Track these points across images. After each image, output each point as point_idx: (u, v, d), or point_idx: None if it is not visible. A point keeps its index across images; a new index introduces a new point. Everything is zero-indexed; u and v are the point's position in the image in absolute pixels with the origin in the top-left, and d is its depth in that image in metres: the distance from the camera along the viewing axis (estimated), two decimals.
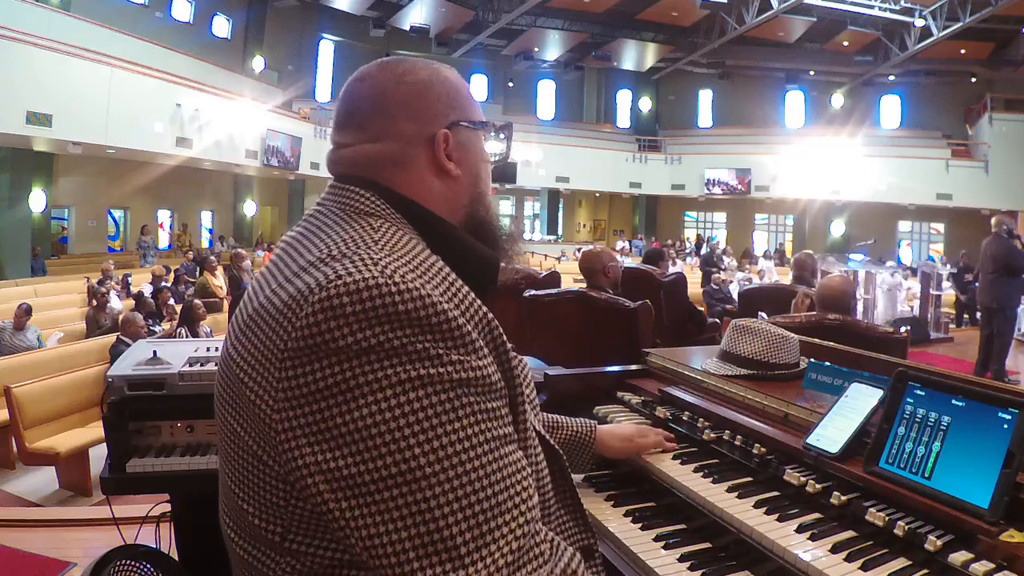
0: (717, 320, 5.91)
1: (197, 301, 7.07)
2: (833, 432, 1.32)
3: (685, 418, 1.62)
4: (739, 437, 1.47)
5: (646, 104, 26.47)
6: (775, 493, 1.31)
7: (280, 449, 0.72)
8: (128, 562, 1.45)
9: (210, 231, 21.10)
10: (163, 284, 9.98)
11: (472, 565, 0.68)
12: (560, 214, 26.40)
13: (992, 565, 0.98)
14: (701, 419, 1.60)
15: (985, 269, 7.01)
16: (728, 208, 25.53)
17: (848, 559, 1.07)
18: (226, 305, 9.10)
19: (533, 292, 3.92)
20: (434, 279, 0.78)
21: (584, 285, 4.05)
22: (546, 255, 18.66)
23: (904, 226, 23.44)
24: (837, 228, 22.44)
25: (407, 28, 21.57)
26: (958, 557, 1.01)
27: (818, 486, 1.25)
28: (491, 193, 1.01)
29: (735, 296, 9.00)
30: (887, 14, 19.57)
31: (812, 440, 1.33)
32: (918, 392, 1.23)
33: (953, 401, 1.18)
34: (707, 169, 23.01)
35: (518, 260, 1.05)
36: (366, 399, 0.69)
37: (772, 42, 22.36)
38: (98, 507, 3.95)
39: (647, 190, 24.20)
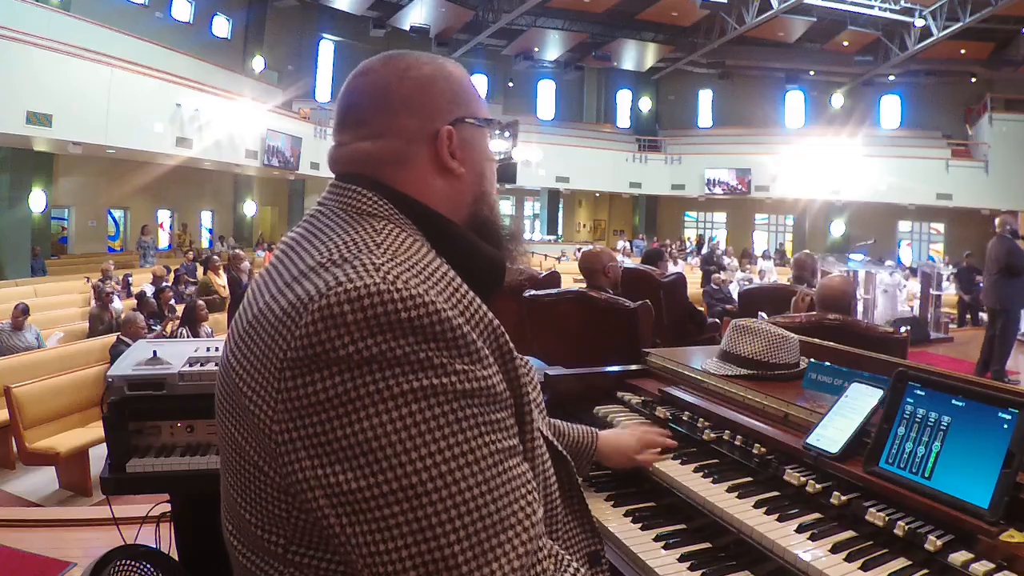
0: (717, 320, 5.90)
1: (200, 301, 7.07)
2: (833, 432, 1.32)
3: (685, 418, 1.62)
4: (739, 437, 1.47)
5: (646, 104, 26.47)
6: (775, 493, 1.31)
7: (280, 461, 0.70)
8: (128, 562, 1.45)
9: (210, 231, 21.10)
10: (164, 284, 9.98)
11: None
12: (560, 214, 26.40)
13: (992, 565, 0.98)
14: (701, 419, 1.60)
15: (989, 270, 7.01)
16: (728, 208, 25.53)
17: (848, 559, 1.07)
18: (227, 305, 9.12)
19: (533, 292, 3.92)
20: (438, 284, 0.76)
21: (584, 285, 4.05)
22: (546, 255, 18.64)
23: (904, 226, 23.44)
24: (837, 228, 22.44)
25: (407, 28, 21.56)
26: (958, 557, 1.01)
27: (818, 486, 1.25)
28: (496, 192, 0.99)
29: (735, 296, 9.00)
30: (887, 14, 19.57)
31: (812, 440, 1.33)
32: (918, 392, 1.23)
33: (953, 401, 1.18)
34: (707, 169, 23.02)
35: (522, 260, 1.02)
36: (367, 411, 0.67)
37: (772, 42, 22.36)
38: (98, 507, 3.95)
39: (647, 190, 24.20)
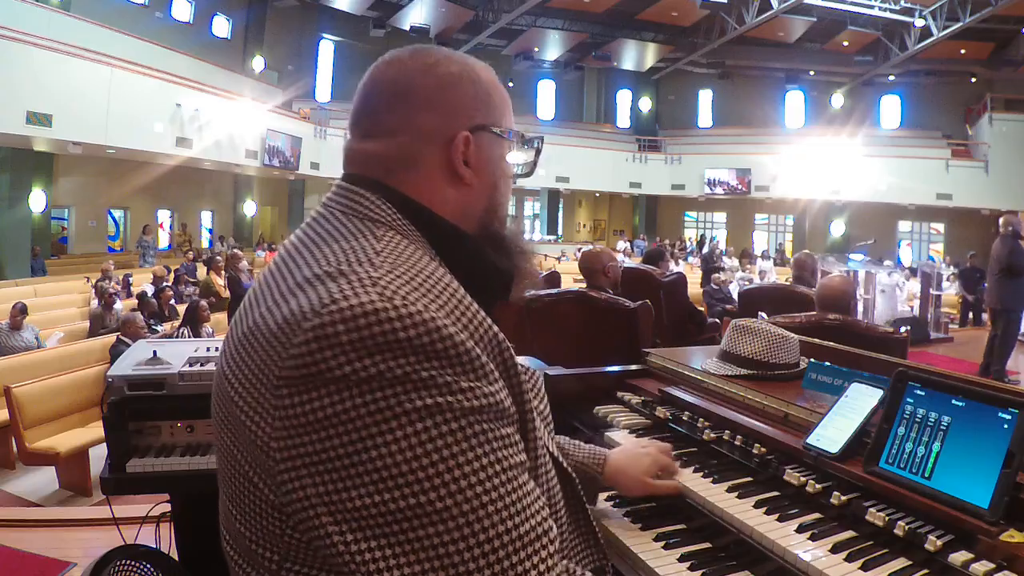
0: (717, 320, 5.90)
1: (203, 302, 7.07)
2: (833, 432, 1.32)
3: (685, 418, 1.62)
4: (739, 437, 1.47)
5: (646, 104, 26.47)
6: (775, 493, 1.31)
7: (279, 480, 0.68)
8: (128, 562, 1.45)
9: (210, 231, 21.10)
10: (164, 284, 9.99)
11: None
12: (560, 214, 26.41)
13: (992, 565, 0.98)
14: (701, 419, 1.60)
15: (992, 270, 7.02)
16: (728, 208, 25.54)
17: (848, 559, 1.07)
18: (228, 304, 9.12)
19: (533, 292, 3.92)
20: (440, 297, 0.73)
21: (584, 285, 4.05)
22: (546, 255, 18.66)
23: (904, 226, 23.45)
24: (837, 228, 22.44)
25: (407, 28, 21.56)
26: (958, 557, 1.01)
27: (818, 486, 1.25)
28: (508, 208, 0.95)
29: (735, 296, 9.00)
30: (887, 14, 19.57)
31: (812, 440, 1.32)
32: (918, 392, 1.23)
33: (953, 401, 1.18)
34: (707, 169, 23.02)
35: (532, 278, 0.97)
36: (371, 430, 0.65)
37: (772, 42, 22.36)
38: (98, 507, 3.95)
39: (647, 190, 24.20)
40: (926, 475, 1.15)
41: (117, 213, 18.62)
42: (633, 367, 2.00)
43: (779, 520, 1.21)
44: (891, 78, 22.89)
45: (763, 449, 1.41)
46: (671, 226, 26.11)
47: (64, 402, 4.99)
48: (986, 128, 19.84)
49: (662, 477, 1.34)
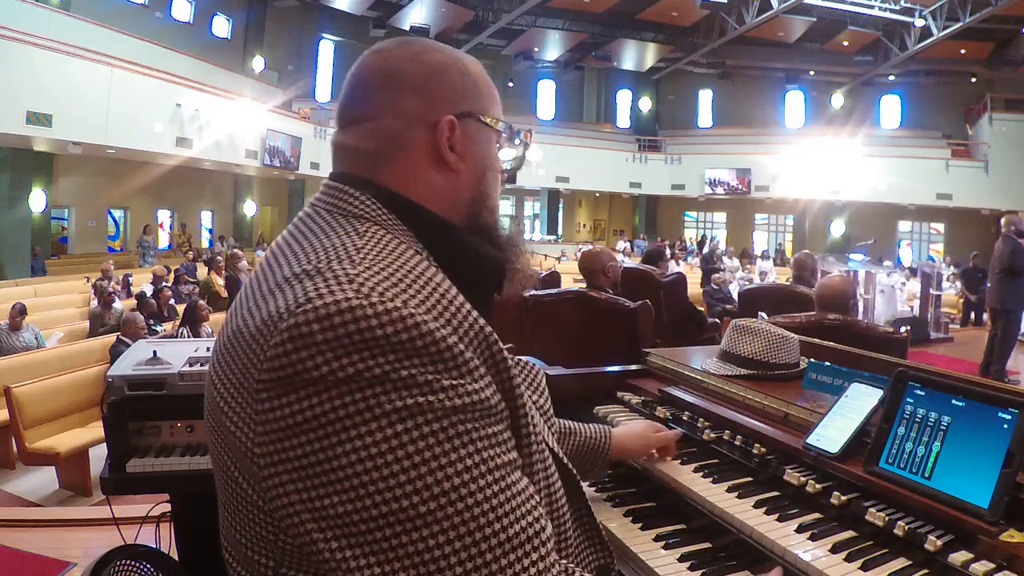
0: (717, 320, 5.90)
1: (202, 302, 7.07)
2: (833, 432, 1.32)
3: (685, 418, 1.62)
4: (739, 437, 1.47)
5: (646, 104, 26.47)
6: (775, 493, 1.31)
7: (264, 485, 0.67)
8: (128, 562, 1.45)
9: (210, 231, 21.10)
10: (164, 284, 9.99)
11: None
12: (560, 214, 26.41)
13: (992, 565, 0.98)
14: (701, 419, 1.60)
15: (993, 269, 7.02)
16: (728, 208, 25.54)
17: (848, 559, 1.07)
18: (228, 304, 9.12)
19: (533, 292, 3.92)
20: (421, 292, 0.71)
21: (584, 285, 4.06)
22: (546, 255, 18.66)
23: (904, 226, 23.45)
24: (837, 228, 22.44)
25: (407, 28, 21.56)
26: (958, 557, 1.01)
27: (818, 486, 1.25)
28: (498, 200, 0.93)
29: (735, 296, 9.00)
30: (887, 14, 19.57)
31: (812, 440, 1.32)
32: (918, 392, 1.23)
33: (953, 401, 1.18)
34: (707, 169, 23.02)
35: (526, 267, 0.95)
36: (350, 433, 0.63)
37: (772, 42, 22.36)
38: (98, 507, 3.95)
39: (647, 190, 24.20)
40: (926, 475, 1.15)
41: (117, 213, 18.62)
42: (633, 367, 1.99)
43: (779, 520, 1.21)
44: (891, 78, 22.89)
45: (763, 449, 1.41)
46: (671, 226, 26.11)
47: (64, 402, 4.99)
48: (986, 128, 19.84)
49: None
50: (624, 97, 27.17)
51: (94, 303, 8.75)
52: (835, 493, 1.21)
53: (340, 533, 0.64)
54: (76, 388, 5.12)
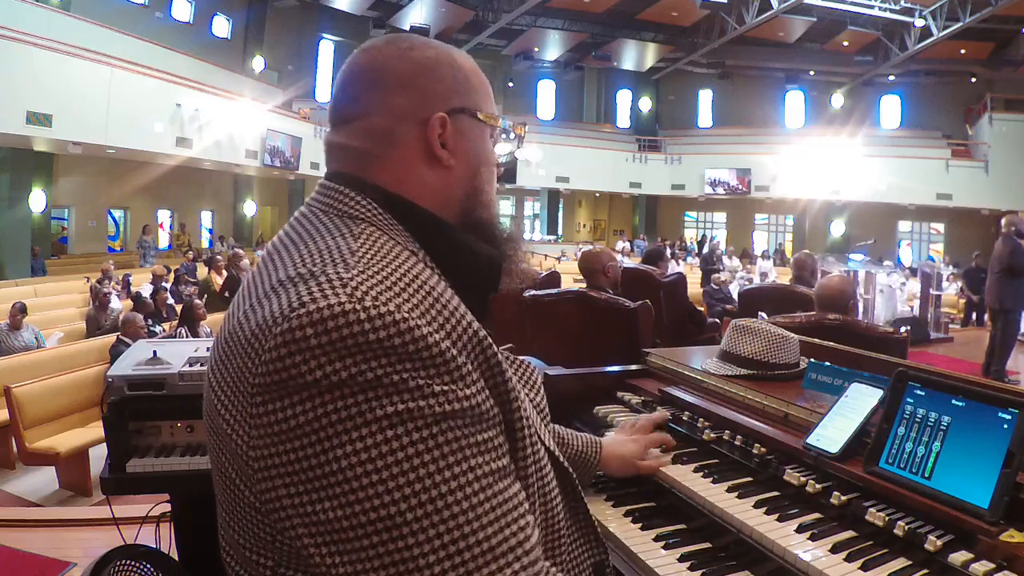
0: (717, 320, 5.90)
1: (197, 301, 7.07)
2: (833, 432, 1.32)
3: (685, 418, 1.62)
4: (739, 437, 1.47)
5: (646, 104, 26.47)
6: (775, 493, 1.31)
7: (258, 488, 0.68)
8: (128, 562, 1.45)
9: (210, 231, 21.10)
10: (163, 284, 9.99)
11: None
12: (560, 214, 26.41)
13: (992, 565, 0.98)
14: (701, 419, 1.59)
15: (992, 269, 7.03)
16: (728, 208, 25.54)
17: (848, 559, 1.07)
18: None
19: (533, 292, 3.92)
20: (415, 296, 0.70)
21: (584, 285, 4.06)
22: (546, 255, 18.66)
23: (904, 226, 23.45)
24: (837, 228, 22.45)
25: (407, 28, 21.55)
26: (958, 557, 1.01)
27: (818, 486, 1.25)
28: (494, 194, 0.93)
29: (735, 296, 9.00)
30: (887, 14, 19.57)
31: (812, 440, 1.32)
32: (918, 392, 1.23)
33: (953, 401, 1.18)
34: (707, 169, 23.02)
35: (521, 266, 0.95)
36: (340, 439, 0.64)
37: (772, 42, 22.36)
38: (98, 507, 3.95)
39: (647, 190, 24.20)
40: (926, 475, 1.15)
41: (117, 213, 18.62)
42: (633, 367, 2.00)
43: (779, 520, 1.21)
44: (891, 78, 22.90)
45: (763, 449, 1.41)
46: (671, 226, 26.12)
47: (64, 402, 4.99)
48: (986, 128, 19.84)
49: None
50: (624, 97, 27.17)
51: (90, 307, 8.74)
52: (835, 493, 1.21)
53: (329, 539, 0.65)
54: (76, 388, 5.12)
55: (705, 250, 19.33)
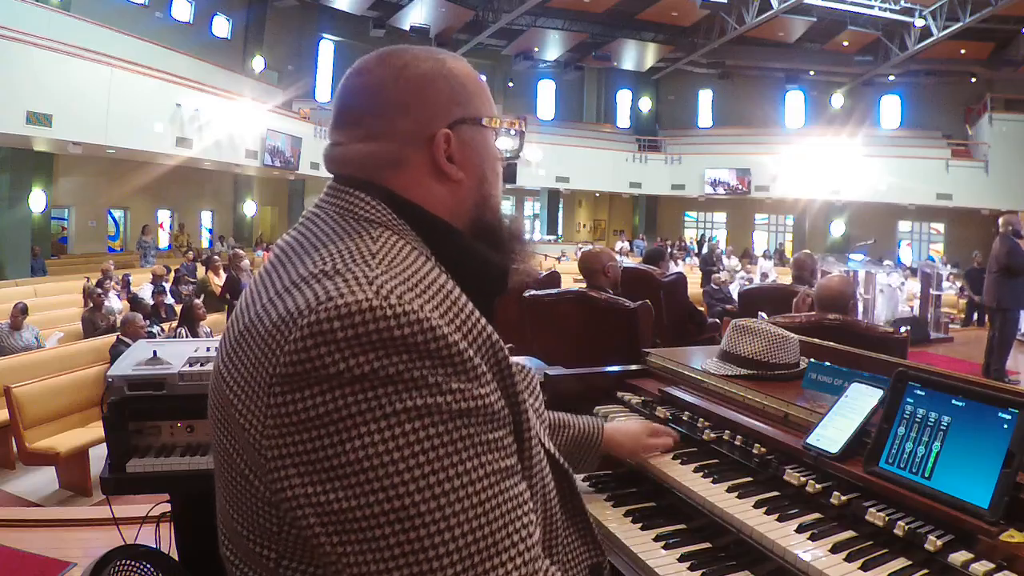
0: (717, 320, 5.91)
1: (197, 301, 7.08)
2: (833, 432, 1.32)
3: (685, 418, 1.62)
4: (739, 437, 1.47)
5: (646, 104, 26.47)
6: (775, 493, 1.31)
7: (270, 478, 0.69)
8: (128, 562, 1.45)
9: (210, 231, 21.10)
10: (163, 284, 9.98)
11: None
12: (560, 214, 26.41)
13: (992, 565, 0.98)
14: (701, 419, 1.60)
15: (990, 268, 7.04)
16: (728, 208, 25.54)
17: (848, 559, 1.07)
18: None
19: (533, 292, 3.92)
20: (435, 298, 0.73)
21: (584, 285, 4.05)
22: (546, 255, 18.66)
23: (904, 226, 23.46)
24: (837, 228, 22.45)
25: (407, 28, 21.56)
26: (958, 557, 1.01)
27: (818, 486, 1.25)
28: (500, 194, 0.95)
29: (735, 296, 9.00)
30: (887, 14, 19.58)
31: (812, 440, 1.33)
32: (918, 392, 1.23)
33: (953, 401, 1.18)
34: (707, 169, 23.03)
35: (528, 261, 0.98)
36: (359, 430, 0.65)
37: (772, 42, 22.36)
38: (98, 507, 3.95)
39: (647, 190, 24.20)
40: (926, 475, 1.15)
41: (117, 213, 18.62)
42: (633, 367, 2.00)
43: (779, 520, 1.21)
44: (891, 78, 22.89)
45: (763, 449, 1.41)
46: (671, 226, 26.12)
47: (64, 402, 4.99)
48: (986, 128, 19.84)
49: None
50: (624, 97, 27.17)
51: (85, 308, 8.74)
52: (835, 493, 1.21)
53: (341, 528, 0.66)
54: (76, 388, 5.12)
55: (704, 250, 19.35)
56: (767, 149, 22.35)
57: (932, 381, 1.23)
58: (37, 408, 4.74)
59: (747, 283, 12.53)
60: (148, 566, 1.48)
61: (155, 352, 2.01)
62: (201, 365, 1.96)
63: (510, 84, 25.84)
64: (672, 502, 1.41)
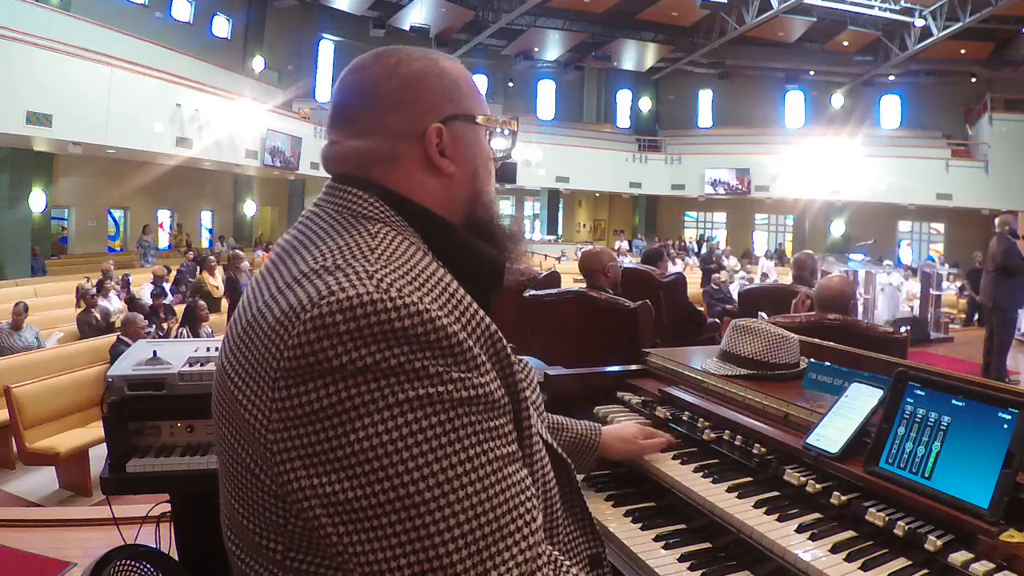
0: (717, 320, 5.90)
1: (201, 302, 7.08)
2: (833, 432, 1.32)
3: (685, 418, 1.62)
4: (739, 437, 1.47)
5: (646, 104, 26.47)
6: (775, 493, 1.31)
7: (276, 471, 0.70)
8: (128, 562, 1.45)
9: (210, 231, 21.10)
10: (164, 285, 9.98)
11: None
12: (560, 214, 26.41)
13: (992, 565, 0.98)
14: (701, 419, 1.60)
15: (987, 268, 7.06)
16: (728, 208, 25.54)
17: (848, 559, 1.07)
18: (224, 305, 9.12)
19: (533, 292, 3.92)
20: (434, 290, 0.75)
21: (584, 285, 4.06)
22: (546, 255, 18.65)
23: (904, 226, 23.45)
24: (837, 228, 22.45)
25: (407, 28, 21.56)
26: (958, 557, 1.01)
27: (818, 486, 1.25)
28: (493, 192, 0.96)
29: (735, 296, 9.00)
30: (887, 14, 19.57)
31: (812, 440, 1.33)
32: (918, 392, 1.23)
33: (953, 401, 1.18)
34: (707, 169, 23.03)
35: (523, 261, 1.00)
36: (363, 421, 0.67)
37: (772, 42, 22.36)
38: (98, 507, 3.95)
39: (647, 190, 24.20)
40: (926, 475, 1.15)
41: (117, 213, 18.61)
42: (633, 367, 2.00)
43: (779, 520, 1.21)
44: (891, 78, 22.89)
45: (763, 449, 1.41)
46: (671, 226, 26.12)
47: (64, 402, 4.99)
48: (986, 128, 19.83)
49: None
50: (624, 97, 27.17)
51: (79, 310, 8.73)
52: (835, 493, 1.21)
53: (347, 519, 0.67)
54: (76, 388, 5.12)
55: (703, 250, 19.35)
56: (767, 149, 22.35)
57: (932, 381, 1.23)
58: (37, 408, 4.74)
59: (747, 283, 12.52)
60: (148, 566, 1.48)
61: (155, 352, 2.01)
62: (201, 365, 1.97)
63: (510, 84, 25.85)
64: (672, 502, 1.41)
